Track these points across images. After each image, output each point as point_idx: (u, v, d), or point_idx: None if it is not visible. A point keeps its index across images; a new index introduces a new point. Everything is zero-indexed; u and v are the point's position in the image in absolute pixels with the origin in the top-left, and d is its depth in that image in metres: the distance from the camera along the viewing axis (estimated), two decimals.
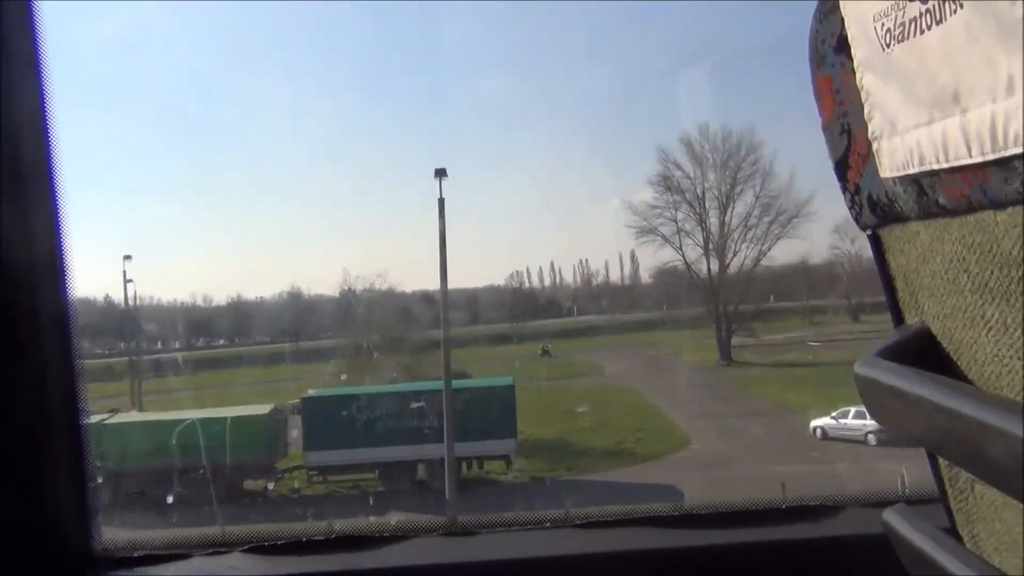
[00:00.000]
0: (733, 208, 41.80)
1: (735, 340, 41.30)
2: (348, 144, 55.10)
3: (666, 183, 42.31)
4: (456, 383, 21.55)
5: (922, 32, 0.66)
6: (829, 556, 1.52)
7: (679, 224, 41.79)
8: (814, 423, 24.78)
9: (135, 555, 1.51)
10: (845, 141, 0.85)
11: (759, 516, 1.60)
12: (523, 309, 52.57)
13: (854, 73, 0.79)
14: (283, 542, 1.56)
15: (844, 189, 0.89)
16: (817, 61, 0.87)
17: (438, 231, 21.06)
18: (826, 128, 0.88)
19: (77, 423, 1.19)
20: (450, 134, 52.31)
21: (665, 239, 42.14)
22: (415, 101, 56.15)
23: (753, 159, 42.54)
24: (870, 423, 23.24)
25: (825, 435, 24.48)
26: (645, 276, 49.06)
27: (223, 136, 54.48)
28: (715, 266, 41.66)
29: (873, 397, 0.79)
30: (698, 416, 27.58)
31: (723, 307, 40.36)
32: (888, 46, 0.72)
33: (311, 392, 22.57)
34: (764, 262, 42.10)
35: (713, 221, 41.66)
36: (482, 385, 23.31)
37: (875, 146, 0.78)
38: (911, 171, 0.72)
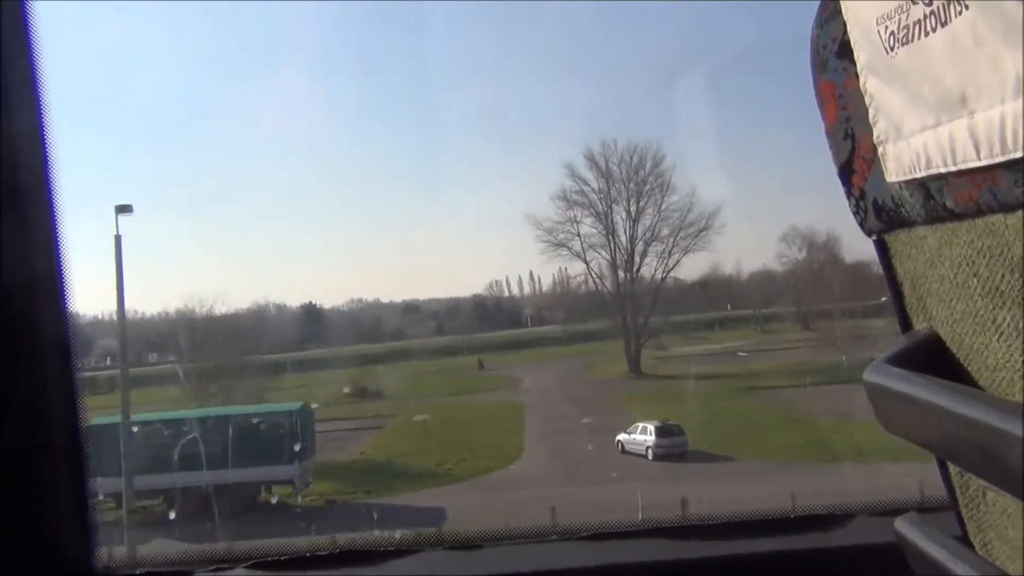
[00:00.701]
0: (639, 222, 41.59)
1: (660, 352, 41.13)
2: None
3: (571, 198, 42.24)
4: (237, 409, 22.02)
5: (927, 34, 0.66)
6: (839, 565, 1.54)
7: (583, 239, 41.72)
8: (618, 437, 25.63)
9: (137, 572, 1.50)
10: (849, 146, 0.85)
11: (767, 526, 1.61)
12: (487, 320, 52.89)
13: (857, 77, 0.80)
14: (286, 557, 1.55)
15: (848, 194, 0.88)
16: (819, 66, 0.87)
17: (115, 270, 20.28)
18: (829, 133, 0.89)
19: (78, 441, 1.23)
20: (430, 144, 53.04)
21: (575, 254, 42.12)
22: (406, 109, 56.83)
23: (658, 172, 42.22)
24: (650, 438, 24.71)
25: (624, 449, 25.31)
26: (560, 289, 48.65)
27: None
28: (625, 279, 41.42)
29: (882, 404, 0.80)
30: (550, 433, 28.35)
31: (632, 320, 40.18)
32: (892, 49, 0.72)
33: (92, 420, 23.39)
34: (700, 272, 41.73)
35: (621, 235, 41.52)
36: (264, 411, 23.98)
37: (880, 150, 0.78)
38: (918, 175, 0.72)
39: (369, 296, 55.09)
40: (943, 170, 0.68)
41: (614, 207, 42.11)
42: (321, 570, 1.55)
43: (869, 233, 0.89)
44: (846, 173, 0.87)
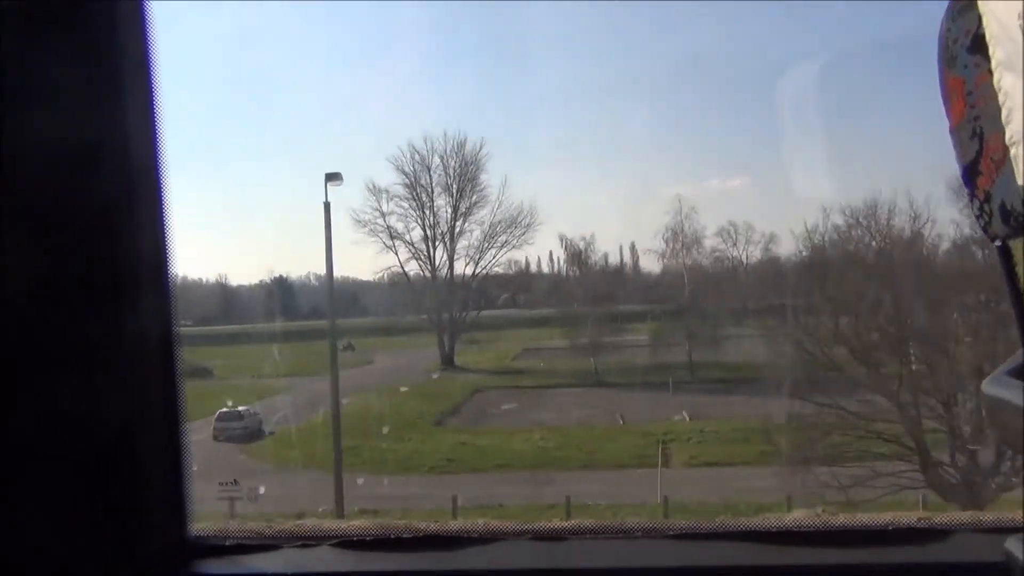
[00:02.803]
0: (460, 217, 42.71)
1: (474, 346, 42.76)
2: None
3: (394, 191, 43.91)
4: None
5: None
6: None
7: (391, 230, 43.14)
8: None
9: (226, 543, 1.51)
10: (976, 145, 0.81)
11: (863, 536, 1.53)
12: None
13: (991, 74, 0.75)
14: (371, 538, 1.53)
15: (972, 196, 0.84)
16: (947, 61, 0.83)
17: None
18: (954, 131, 0.84)
19: (175, 414, 1.34)
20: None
21: (386, 245, 43.63)
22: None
23: (482, 167, 43.23)
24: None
25: None
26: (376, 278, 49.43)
27: None
28: (444, 274, 42.65)
29: (1000, 417, 0.79)
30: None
31: (450, 314, 41.48)
32: None
33: None
34: (519, 268, 42.70)
35: (443, 229, 42.71)
36: None
37: (1013, 151, 0.73)
38: None
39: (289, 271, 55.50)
40: None
41: (437, 202, 42.92)
42: (405, 552, 1.52)
43: (992, 238, 0.85)
44: (971, 174, 0.83)
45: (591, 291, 40.02)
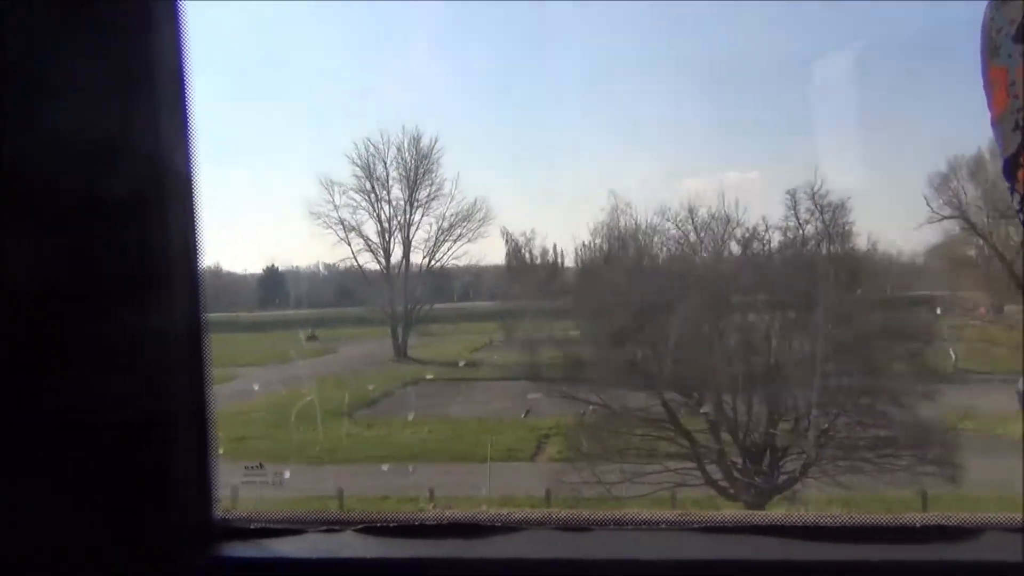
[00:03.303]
0: (415, 210, 43.04)
1: (428, 338, 43.21)
2: None
3: (346, 184, 44.00)
4: None
5: None
6: None
7: (344, 223, 43.51)
8: None
9: (252, 527, 1.51)
10: (1019, 138, 0.79)
11: (890, 532, 1.52)
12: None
13: None
14: (395, 524, 1.52)
15: (1012, 190, 0.82)
16: (991, 51, 0.81)
17: None
18: (996, 124, 0.82)
19: (202, 400, 1.37)
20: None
21: (340, 237, 43.94)
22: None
23: (436, 160, 43.26)
24: None
25: None
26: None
27: None
28: (399, 265, 43.01)
29: None
30: None
31: (404, 306, 41.96)
32: None
33: None
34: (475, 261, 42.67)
35: (397, 222, 43.12)
36: None
37: None
38: None
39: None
40: None
41: (393, 192, 43.03)
42: (429, 539, 1.52)
43: None
44: (1012, 167, 0.81)
45: (585, 287, 39.94)
